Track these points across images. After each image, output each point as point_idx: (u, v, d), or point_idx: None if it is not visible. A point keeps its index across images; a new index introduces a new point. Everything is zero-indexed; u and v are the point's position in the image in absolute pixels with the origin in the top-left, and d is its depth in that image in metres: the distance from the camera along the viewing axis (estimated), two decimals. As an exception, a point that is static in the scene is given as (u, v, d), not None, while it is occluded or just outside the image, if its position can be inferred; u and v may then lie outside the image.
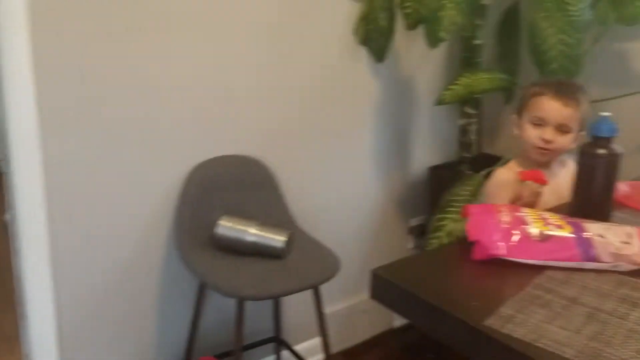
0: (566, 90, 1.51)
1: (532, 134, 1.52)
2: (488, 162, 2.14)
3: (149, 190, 1.81)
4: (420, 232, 2.51)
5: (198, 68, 1.81)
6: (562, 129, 1.49)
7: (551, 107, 1.49)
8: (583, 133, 1.57)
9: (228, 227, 1.76)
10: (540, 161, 1.57)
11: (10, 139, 1.56)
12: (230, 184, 1.91)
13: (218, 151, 1.91)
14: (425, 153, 2.53)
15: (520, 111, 1.58)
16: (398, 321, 2.59)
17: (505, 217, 1.06)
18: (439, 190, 2.19)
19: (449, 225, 2.03)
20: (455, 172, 2.34)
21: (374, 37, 2.12)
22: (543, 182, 1.36)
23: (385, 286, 0.99)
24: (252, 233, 1.75)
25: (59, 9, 1.55)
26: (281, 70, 1.99)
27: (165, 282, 1.91)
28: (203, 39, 1.80)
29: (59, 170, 1.64)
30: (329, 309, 2.33)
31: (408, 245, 2.61)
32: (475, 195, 2.03)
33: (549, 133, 1.49)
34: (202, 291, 1.91)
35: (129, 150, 1.74)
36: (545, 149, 1.51)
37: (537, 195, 1.37)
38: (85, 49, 1.61)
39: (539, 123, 1.51)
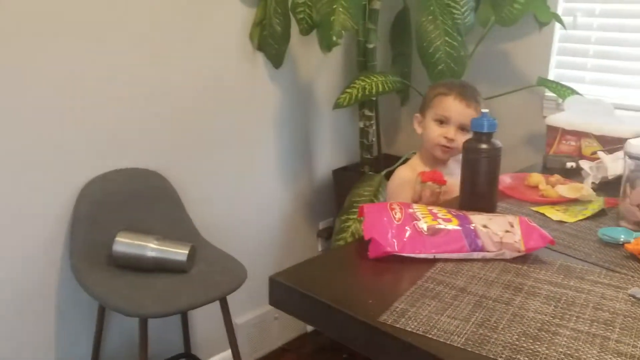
0: (468, 92, 1.59)
1: (436, 132, 1.57)
2: (388, 162, 2.20)
3: (38, 210, 1.71)
4: (329, 235, 2.54)
5: (85, 79, 1.74)
6: (462, 128, 1.56)
7: (455, 107, 1.55)
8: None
9: (126, 243, 1.70)
10: (440, 159, 1.63)
11: None
12: (127, 199, 1.84)
13: (112, 165, 1.84)
14: (329, 156, 2.57)
15: (424, 110, 1.63)
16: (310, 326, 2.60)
17: (398, 214, 1.09)
18: (343, 192, 2.23)
19: (353, 225, 2.07)
20: (357, 173, 2.39)
21: (270, 43, 2.12)
22: (442, 183, 1.41)
23: (283, 291, 0.99)
24: (153, 248, 1.70)
25: None
26: (176, 78, 1.95)
27: (63, 306, 1.82)
28: (88, 48, 1.73)
29: None
30: (239, 319, 2.31)
31: (318, 248, 2.63)
32: (376, 195, 2.08)
33: (451, 132, 1.55)
34: (103, 312, 1.83)
35: (13, 168, 1.64)
36: (447, 147, 1.57)
37: (437, 195, 1.42)
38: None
39: (443, 121, 1.57)
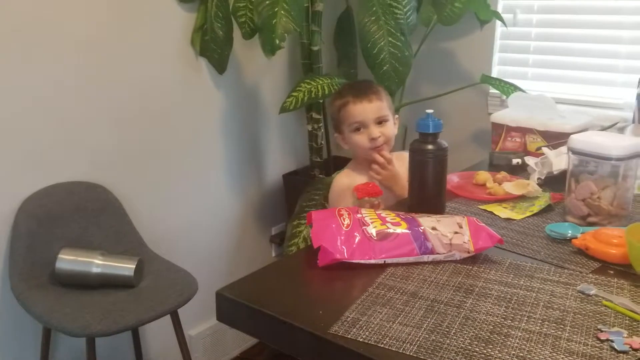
0: (361, 89, 1.58)
1: (360, 139, 1.55)
2: (338, 165, 2.18)
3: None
4: (282, 240, 2.50)
5: (20, 89, 1.66)
6: (380, 121, 1.54)
7: (359, 109, 1.54)
8: (397, 116, 1.66)
9: (70, 260, 1.63)
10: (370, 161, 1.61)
11: None
12: (69, 214, 1.77)
13: (51, 179, 1.76)
14: (279, 160, 2.54)
15: (338, 127, 1.61)
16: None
17: (346, 221, 1.07)
18: (294, 196, 2.20)
19: (305, 230, 2.04)
20: (308, 176, 2.37)
21: (213, 48, 2.08)
22: (379, 194, 1.39)
23: (231, 306, 0.96)
24: (98, 264, 1.64)
25: None
26: (114, 87, 1.88)
27: (5, 328, 1.73)
28: (22, 58, 1.65)
29: None
30: (193, 330, 2.26)
31: (272, 254, 2.60)
32: (327, 198, 2.05)
33: (373, 131, 1.53)
34: (49, 334, 1.75)
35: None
36: (378, 146, 1.55)
37: (377, 206, 1.40)
38: None
39: (359, 127, 1.55)
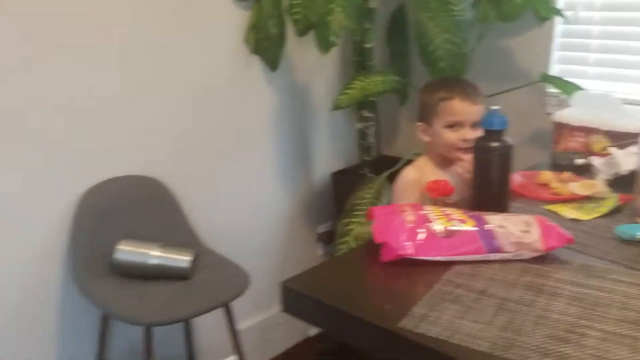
0: (470, 89, 1.55)
1: (452, 137, 1.52)
2: (388, 164, 2.16)
3: (38, 217, 1.67)
4: (329, 239, 2.50)
5: (82, 85, 1.70)
6: (474, 125, 1.52)
7: (464, 108, 1.51)
8: None
9: (128, 251, 1.66)
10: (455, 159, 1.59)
11: None
12: (127, 207, 1.81)
13: (110, 173, 1.80)
14: (328, 159, 2.53)
15: (428, 118, 1.58)
16: (313, 330, 2.57)
17: (410, 217, 1.06)
18: (343, 195, 2.19)
19: (356, 229, 2.03)
20: (357, 175, 2.36)
21: (265, 46, 2.09)
22: (451, 192, 1.37)
23: (296, 298, 0.96)
24: (155, 255, 1.66)
25: None
26: (171, 85, 1.91)
27: (65, 315, 1.77)
28: (83, 59, 1.69)
29: None
30: (241, 325, 2.27)
31: (318, 252, 2.60)
32: (378, 198, 2.04)
33: (468, 133, 1.50)
34: (106, 321, 1.79)
35: (12, 176, 1.60)
36: (465, 149, 1.53)
37: (450, 205, 1.38)
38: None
39: (454, 125, 1.53)
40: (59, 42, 1.63)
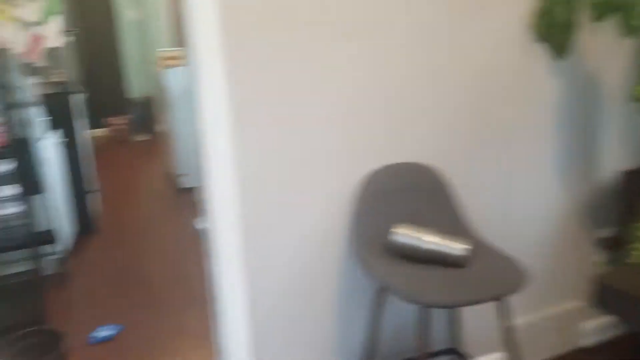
0: None
1: None
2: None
3: (328, 196, 1.84)
4: (612, 244, 2.28)
5: (371, 75, 1.81)
6: None
7: None
8: None
9: (404, 234, 1.73)
10: None
11: (208, 158, 1.70)
12: (403, 192, 1.88)
13: (390, 158, 1.90)
14: (617, 156, 2.31)
15: None
16: (586, 339, 2.38)
17: None
18: (635, 196, 1.98)
19: (651, 234, 1.82)
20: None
21: (554, 32, 1.98)
22: None
23: (613, 294, 0.89)
24: (430, 241, 1.70)
25: (247, 30, 1.64)
26: (451, 73, 1.93)
27: (344, 286, 1.93)
28: (373, 46, 1.80)
29: (252, 183, 1.75)
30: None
31: (594, 257, 2.39)
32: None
33: None
34: (379, 296, 1.90)
35: (311, 159, 1.80)
36: None
37: None
38: (273, 65, 1.69)
39: None
40: (346, 32, 1.76)
